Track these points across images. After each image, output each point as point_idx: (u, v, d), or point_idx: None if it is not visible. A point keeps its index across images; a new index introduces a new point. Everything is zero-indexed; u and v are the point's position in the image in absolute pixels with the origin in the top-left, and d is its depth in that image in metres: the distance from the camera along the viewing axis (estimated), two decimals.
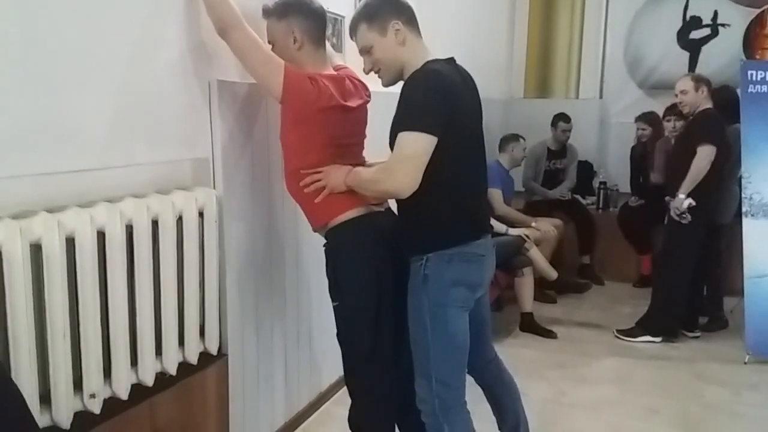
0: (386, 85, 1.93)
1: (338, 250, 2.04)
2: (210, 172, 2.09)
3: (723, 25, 5.30)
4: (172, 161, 1.96)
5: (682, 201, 3.64)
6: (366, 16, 1.88)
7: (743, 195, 3.70)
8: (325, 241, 2.09)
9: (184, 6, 1.93)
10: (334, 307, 2.07)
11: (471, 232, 1.88)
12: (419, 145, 1.71)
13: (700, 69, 5.35)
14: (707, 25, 5.35)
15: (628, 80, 5.66)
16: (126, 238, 1.73)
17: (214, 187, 2.09)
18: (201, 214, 1.97)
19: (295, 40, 2.04)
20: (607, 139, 5.69)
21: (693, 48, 5.41)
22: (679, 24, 5.42)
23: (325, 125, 2.01)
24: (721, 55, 5.27)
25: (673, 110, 4.25)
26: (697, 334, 3.94)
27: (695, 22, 5.38)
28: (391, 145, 1.77)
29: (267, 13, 2.08)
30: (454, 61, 1.90)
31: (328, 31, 2.46)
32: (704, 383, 3.29)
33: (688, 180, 3.64)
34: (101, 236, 1.67)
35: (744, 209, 3.68)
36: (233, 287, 2.19)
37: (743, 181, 3.71)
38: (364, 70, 1.96)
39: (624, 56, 5.65)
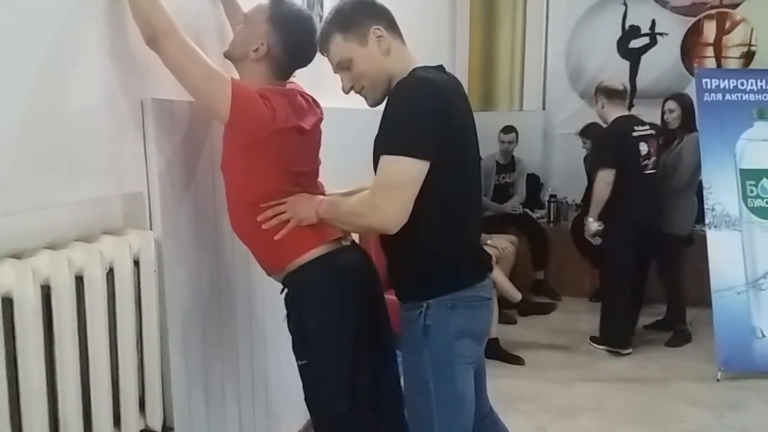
0: (373, 104, 1.63)
1: (303, 297, 1.71)
2: (146, 210, 1.72)
3: (661, 34, 5.30)
4: (97, 199, 1.58)
5: (590, 224, 3.69)
6: (340, 25, 1.57)
7: (705, 206, 3.61)
8: (283, 288, 1.76)
9: (107, 10, 1.57)
10: (299, 366, 1.74)
11: (476, 272, 1.61)
12: (409, 173, 1.43)
13: (641, 78, 5.37)
14: (646, 34, 5.34)
15: (570, 91, 5.58)
16: (42, 301, 1.36)
17: (152, 228, 1.73)
18: (136, 263, 1.61)
19: (257, 50, 1.71)
20: (551, 151, 5.60)
21: (633, 57, 5.39)
22: (619, 33, 5.40)
23: (279, 150, 1.68)
24: (661, 64, 5.28)
25: None
26: (630, 351, 3.81)
27: (634, 32, 5.36)
28: (376, 165, 1.49)
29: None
30: (444, 68, 1.62)
31: None
32: (683, 405, 3.13)
33: (592, 204, 3.69)
34: (8, 303, 1.30)
35: (707, 221, 3.59)
36: (177, 347, 1.83)
37: (704, 192, 3.62)
38: (343, 90, 1.64)
39: (565, 67, 5.58)
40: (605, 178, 3.59)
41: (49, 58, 1.42)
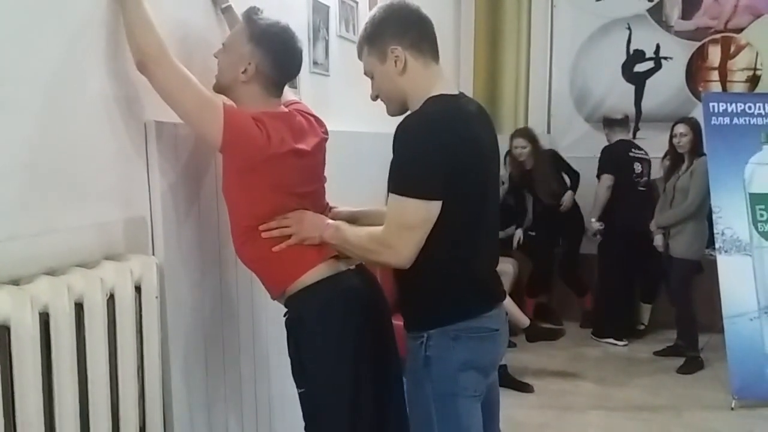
0: (391, 114, 1.64)
1: (302, 322, 1.68)
2: (148, 235, 1.69)
3: (666, 58, 5.29)
4: (98, 224, 1.55)
5: (592, 224, 4.36)
6: (367, 38, 1.59)
7: (715, 230, 3.56)
8: (285, 312, 1.72)
9: (109, 32, 1.55)
10: (299, 394, 1.70)
11: (482, 302, 1.57)
12: (420, 213, 1.43)
13: (646, 102, 5.34)
14: (650, 59, 5.33)
15: (575, 114, 5.56)
16: (41, 328, 1.32)
17: (154, 254, 1.69)
18: (138, 289, 1.57)
19: (245, 71, 1.68)
20: None
21: (638, 81, 5.37)
22: (623, 57, 5.39)
23: (276, 175, 1.67)
24: (666, 88, 5.26)
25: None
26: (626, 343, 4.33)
27: (639, 56, 5.35)
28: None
29: (246, 19, 1.72)
30: (464, 96, 1.60)
31: None
32: None
33: (594, 206, 4.39)
34: (5, 331, 1.25)
35: (717, 245, 3.54)
36: (179, 375, 1.78)
37: (714, 216, 3.57)
38: (370, 97, 1.66)
39: (570, 91, 5.55)
40: (605, 182, 4.30)
41: (50, 81, 1.40)
